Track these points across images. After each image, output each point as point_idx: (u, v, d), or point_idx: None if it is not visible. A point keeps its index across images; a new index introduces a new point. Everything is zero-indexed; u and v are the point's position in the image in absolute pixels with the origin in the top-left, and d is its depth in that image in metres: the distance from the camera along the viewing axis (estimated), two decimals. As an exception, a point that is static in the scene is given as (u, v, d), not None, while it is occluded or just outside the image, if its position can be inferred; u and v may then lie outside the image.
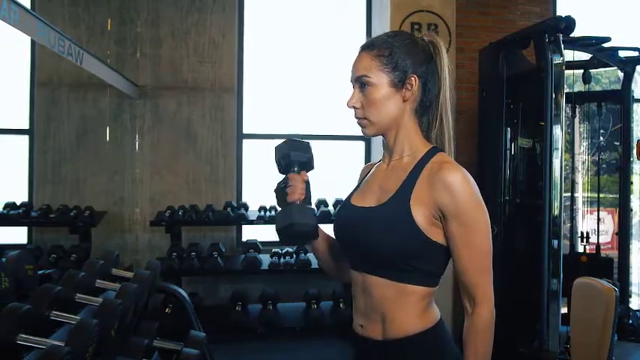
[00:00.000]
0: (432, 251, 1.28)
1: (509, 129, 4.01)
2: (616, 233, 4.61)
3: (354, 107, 1.38)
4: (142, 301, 2.45)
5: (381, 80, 1.33)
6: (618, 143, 4.50)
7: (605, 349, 2.30)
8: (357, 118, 1.39)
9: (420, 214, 1.26)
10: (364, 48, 1.38)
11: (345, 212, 1.45)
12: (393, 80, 1.33)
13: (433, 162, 1.31)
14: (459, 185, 1.24)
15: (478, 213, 1.26)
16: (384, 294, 1.31)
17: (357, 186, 1.53)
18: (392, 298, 1.30)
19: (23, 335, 1.52)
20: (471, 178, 1.27)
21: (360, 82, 1.35)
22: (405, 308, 1.30)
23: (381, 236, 1.28)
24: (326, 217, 4.38)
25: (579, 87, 4.28)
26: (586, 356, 2.41)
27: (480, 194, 1.28)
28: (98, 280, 2.30)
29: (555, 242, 3.51)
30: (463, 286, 1.28)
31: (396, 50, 1.34)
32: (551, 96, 3.50)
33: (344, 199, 1.51)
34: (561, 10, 5.30)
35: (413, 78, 1.34)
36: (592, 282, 2.42)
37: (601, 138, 4.65)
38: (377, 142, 4.84)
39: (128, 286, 2.14)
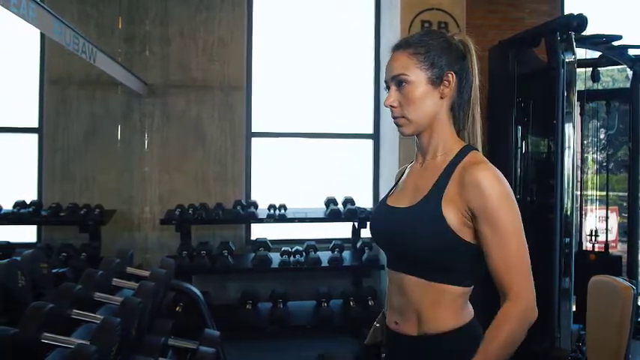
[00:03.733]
0: (464, 251, 1.28)
1: (519, 127, 4.01)
2: (624, 232, 4.61)
3: (392, 106, 1.37)
4: (158, 300, 2.45)
5: (418, 78, 1.32)
6: (627, 142, 4.50)
7: (622, 348, 2.29)
8: (394, 117, 1.38)
9: (451, 214, 1.26)
10: (399, 47, 1.37)
11: (380, 213, 1.46)
12: (430, 77, 1.33)
13: (465, 161, 1.31)
14: (489, 185, 1.23)
15: (509, 213, 1.24)
16: (419, 293, 1.31)
17: (393, 187, 1.53)
18: (427, 297, 1.30)
19: (47, 334, 1.52)
20: (503, 177, 1.27)
21: (398, 80, 1.34)
22: (440, 307, 1.30)
23: (414, 236, 1.29)
24: (336, 216, 4.38)
25: (581, 85, 4.25)
26: (602, 355, 2.40)
27: (511, 194, 1.27)
28: (115, 279, 2.31)
29: (567, 240, 3.51)
30: (498, 285, 1.27)
31: (431, 48, 1.34)
32: (563, 94, 3.49)
33: (380, 201, 1.51)
34: (569, 9, 5.29)
35: (450, 74, 1.34)
36: (609, 280, 2.40)
37: (602, 135, 4.64)
38: (385, 140, 4.84)
39: (146, 284, 2.14)
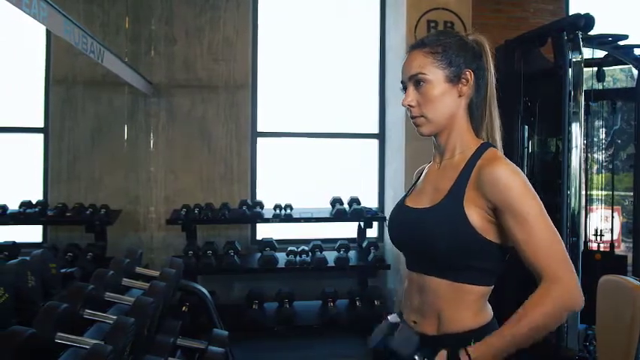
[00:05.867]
0: (487, 250, 1.28)
1: (526, 127, 4.00)
2: (629, 231, 4.60)
3: (410, 106, 1.36)
4: (168, 300, 2.45)
5: (437, 76, 1.33)
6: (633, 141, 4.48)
7: (633, 348, 2.28)
8: (413, 117, 1.38)
9: (473, 213, 1.26)
10: (415, 47, 1.38)
11: (399, 214, 1.45)
12: (448, 76, 1.33)
13: (483, 159, 1.31)
14: (507, 179, 1.23)
15: (531, 202, 1.23)
16: (440, 293, 1.30)
17: (412, 188, 1.52)
18: (449, 297, 1.30)
19: (61, 334, 1.52)
20: (520, 170, 1.27)
21: (415, 79, 1.34)
22: (462, 307, 1.30)
23: (436, 237, 1.28)
24: (342, 216, 4.38)
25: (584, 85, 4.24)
26: (612, 355, 2.40)
27: (530, 185, 1.25)
28: (125, 279, 2.30)
29: (574, 240, 3.51)
30: (535, 275, 1.23)
31: (448, 47, 1.34)
32: (570, 94, 3.49)
33: (398, 201, 1.51)
34: (574, 8, 5.30)
35: (468, 72, 1.34)
36: (619, 279, 2.40)
37: (602, 135, 4.62)
38: (391, 140, 4.83)
39: (157, 284, 2.14)
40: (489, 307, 1.36)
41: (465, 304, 1.30)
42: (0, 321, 1.74)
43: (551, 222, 1.24)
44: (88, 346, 1.45)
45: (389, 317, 1.48)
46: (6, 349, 1.27)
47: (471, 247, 1.26)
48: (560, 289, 1.17)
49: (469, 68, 1.34)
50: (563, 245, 1.23)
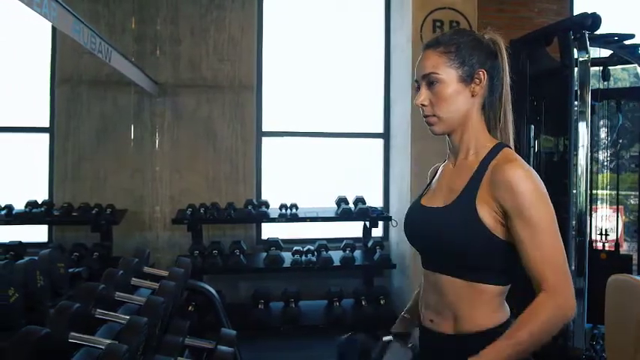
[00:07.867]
0: (501, 250, 1.27)
1: (532, 126, 4.00)
2: (635, 230, 4.60)
3: (422, 105, 1.37)
4: (177, 300, 2.45)
5: (449, 76, 1.32)
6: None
7: (642, 348, 2.28)
8: (425, 116, 1.38)
9: (486, 213, 1.26)
10: (429, 46, 1.38)
11: (415, 213, 1.46)
12: (461, 75, 1.33)
13: (498, 159, 1.30)
14: (520, 183, 1.22)
15: (541, 210, 1.22)
16: (456, 292, 1.31)
17: (427, 187, 1.53)
18: (464, 296, 1.30)
19: (75, 334, 1.51)
20: (534, 174, 1.25)
21: (428, 79, 1.34)
22: (478, 306, 1.30)
23: (450, 237, 1.28)
24: (347, 215, 4.38)
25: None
26: (621, 355, 2.39)
27: (543, 189, 1.25)
28: (133, 279, 2.30)
29: (580, 239, 3.50)
30: (534, 282, 1.24)
31: (462, 46, 1.34)
32: (577, 93, 3.48)
33: (414, 200, 1.51)
34: (578, 8, 5.29)
35: (481, 72, 1.34)
36: (627, 279, 2.39)
37: (603, 135, 4.61)
38: (396, 139, 4.83)
39: (167, 284, 2.14)
40: (506, 306, 1.36)
41: (481, 304, 1.30)
42: (10, 321, 1.75)
43: (558, 231, 1.24)
44: (102, 346, 1.44)
45: (383, 338, 1.57)
46: (22, 348, 1.27)
47: (483, 247, 1.26)
48: (559, 301, 1.19)
49: (482, 68, 1.34)
50: (565, 255, 1.24)
